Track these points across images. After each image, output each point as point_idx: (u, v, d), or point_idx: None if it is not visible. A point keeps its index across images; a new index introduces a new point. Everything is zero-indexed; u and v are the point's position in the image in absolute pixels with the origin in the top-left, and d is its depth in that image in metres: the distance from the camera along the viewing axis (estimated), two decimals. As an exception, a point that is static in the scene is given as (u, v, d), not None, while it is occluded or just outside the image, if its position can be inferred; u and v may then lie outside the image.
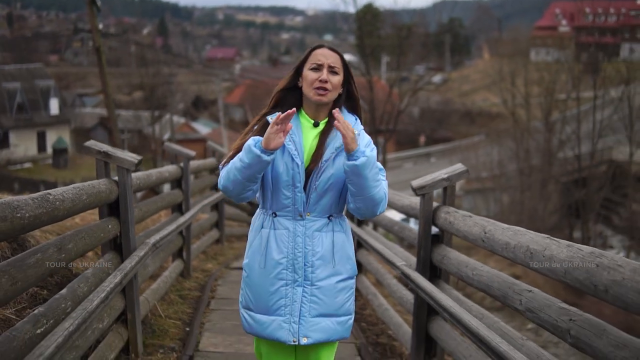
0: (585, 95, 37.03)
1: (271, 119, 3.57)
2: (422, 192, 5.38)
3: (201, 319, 7.22)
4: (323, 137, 3.69)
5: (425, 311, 5.42)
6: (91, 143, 5.38)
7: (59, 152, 54.53)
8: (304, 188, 3.63)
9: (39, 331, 3.42)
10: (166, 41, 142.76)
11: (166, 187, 15.77)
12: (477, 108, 78.39)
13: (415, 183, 5.42)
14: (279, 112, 3.54)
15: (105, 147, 5.29)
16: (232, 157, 3.64)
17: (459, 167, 5.40)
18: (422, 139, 71.66)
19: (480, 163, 45.95)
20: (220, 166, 3.75)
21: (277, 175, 3.64)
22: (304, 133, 3.72)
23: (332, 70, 3.65)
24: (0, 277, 3.03)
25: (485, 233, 4.20)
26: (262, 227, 3.74)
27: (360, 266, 8.86)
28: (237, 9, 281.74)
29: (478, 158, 46.91)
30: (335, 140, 3.64)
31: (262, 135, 3.50)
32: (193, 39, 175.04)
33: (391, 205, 7.41)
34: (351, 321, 3.83)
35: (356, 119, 3.80)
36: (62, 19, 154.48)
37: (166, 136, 58.16)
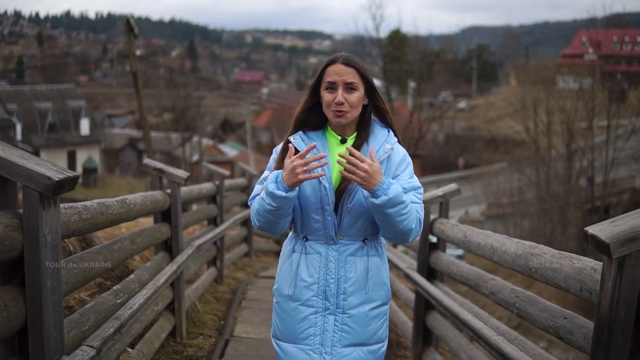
0: (607, 124, 37.50)
1: (293, 138, 3.46)
2: (421, 206, 6.45)
3: (234, 314, 8.33)
4: None
5: (423, 306, 6.47)
6: (148, 161, 6.53)
7: (89, 171, 55.07)
8: (335, 210, 3.40)
9: (118, 301, 4.52)
10: (195, 64, 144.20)
11: (194, 207, 16.84)
12: (502, 135, 78.82)
13: (416, 199, 6.49)
14: (302, 131, 3.51)
15: (160, 165, 6.45)
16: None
17: (452, 186, 6.46)
18: (460, 162, 72.06)
19: (500, 190, 46.84)
20: (249, 201, 3.59)
21: (305, 198, 3.41)
22: (332, 150, 3.49)
23: (349, 87, 3.38)
24: (98, 255, 4.14)
25: (465, 237, 5.27)
26: (293, 252, 3.54)
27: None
28: (266, 32, 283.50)
29: (499, 185, 47.80)
30: (367, 157, 3.26)
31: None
32: (222, 62, 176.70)
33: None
34: (384, 349, 3.61)
35: (389, 131, 3.55)
36: (92, 39, 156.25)
37: (195, 158, 59.36)
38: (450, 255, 6.28)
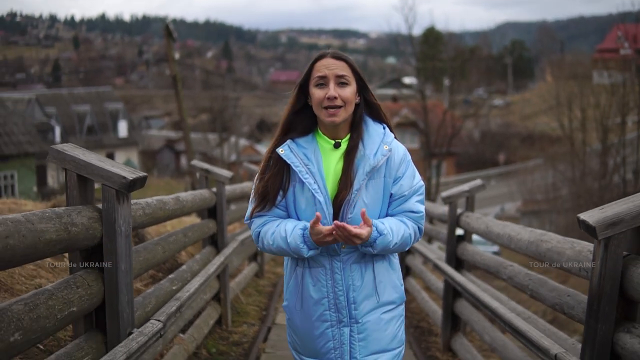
0: (639, 119, 37.28)
1: (282, 150, 3.26)
2: (449, 200, 6.95)
3: (275, 305, 8.88)
4: (349, 159, 3.26)
5: (451, 293, 6.95)
6: (195, 162, 7.11)
7: (128, 173, 55.51)
8: (337, 219, 3.21)
9: (174, 287, 5.06)
10: (230, 64, 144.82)
11: (232, 207, 17.43)
12: (538, 132, 78.26)
13: (444, 194, 7.01)
14: (290, 139, 3.31)
15: (206, 166, 7.03)
16: (257, 206, 3.35)
17: (477, 182, 6.95)
18: (501, 158, 71.51)
19: (535, 186, 46.88)
20: (247, 219, 3.49)
21: (301, 213, 3.30)
22: (325, 157, 3.30)
23: (340, 82, 3.20)
24: (157, 246, 4.69)
25: (487, 228, 5.76)
26: (297, 266, 3.41)
27: (408, 270, 10.40)
28: (300, 31, 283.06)
29: (534, 181, 47.86)
30: (364, 162, 3.22)
31: (278, 165, 3.29)
32: (257, 62, 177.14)
33: (431, 215, 9.00)
34: (403, 351, 3.53)
35: (384, 128, 3.35)
36: (127, 42, 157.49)
37: (232, 158, 59.96)
38: (480, 249, 6.75)
